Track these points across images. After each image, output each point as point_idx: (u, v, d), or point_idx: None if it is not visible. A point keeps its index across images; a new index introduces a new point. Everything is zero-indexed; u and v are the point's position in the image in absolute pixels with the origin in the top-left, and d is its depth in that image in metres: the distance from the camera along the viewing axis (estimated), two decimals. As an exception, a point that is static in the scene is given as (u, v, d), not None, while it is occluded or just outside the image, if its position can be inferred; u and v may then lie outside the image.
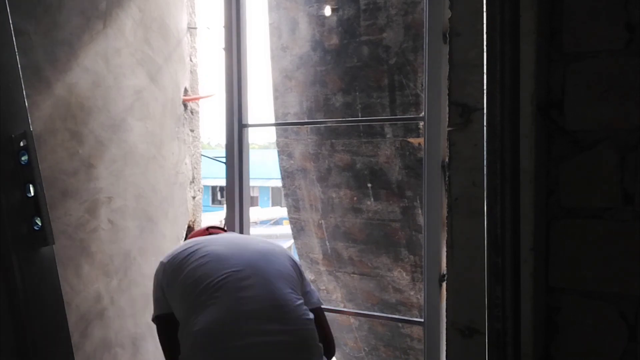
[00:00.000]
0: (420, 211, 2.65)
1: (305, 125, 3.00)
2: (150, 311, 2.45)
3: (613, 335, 1.31)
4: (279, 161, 3.26)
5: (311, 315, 1.61)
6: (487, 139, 1.06)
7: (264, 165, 17.52)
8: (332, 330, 1.76)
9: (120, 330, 2.32)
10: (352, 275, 3.01)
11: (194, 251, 1.69)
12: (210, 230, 1.97)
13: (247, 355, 1.46)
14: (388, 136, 2.70)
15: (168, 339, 1.65)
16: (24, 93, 1.49)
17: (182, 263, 1.66)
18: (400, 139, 2.67)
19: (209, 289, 1.56)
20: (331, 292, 3.16)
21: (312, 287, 1.81)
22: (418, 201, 2.65)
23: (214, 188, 21.14)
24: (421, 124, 2.47)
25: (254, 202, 21.09)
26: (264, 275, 1.63)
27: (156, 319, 1.69)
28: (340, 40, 2.75)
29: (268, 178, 19.73)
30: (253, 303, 1.55)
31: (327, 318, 1.78)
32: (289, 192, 3.27)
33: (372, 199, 2.81)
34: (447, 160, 1.49)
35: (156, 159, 2.49)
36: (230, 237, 1.82)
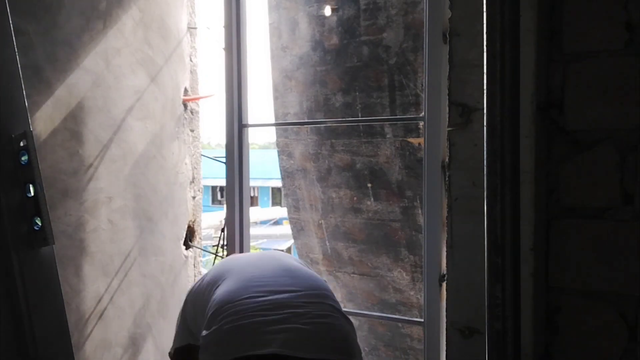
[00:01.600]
0: (420, 211, 2.65)
1: (305, 125, 3.00)
2: (150, 311, 2.46)
3: (613, 335, 1.31)
4: (279, 161, 3.26)
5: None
6: (487, 139, 1.06)
7: (264, 165, 17.50)
8: None
9: (120, 330, 2.32)
10: (352, 275, 3.01)
11: (205, 274, 1.70)
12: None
13: (253, 302, 1.41)
14: (388, 136, 2.70)
15: None
16: (24, 93, 1.48)
17: (199, 285, 1.66)
18: (400, 139, 2.67)
19: (218, 279, 1.56)
20: (331, 292, 3.16)
21: None
22: (418, 201, 2.65)
23: (214, 188, 21.12)
24: (421, 124, 2.47)
25: (254, 202, 21.09)
26: (281, 258, 1.66)
27: (175, 351, 1.67)
28: (340, 40, 2.75)
29: (268, 178, 19.71)
30: (260, 270, 1.55)
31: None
32: (289, 192, 3.27)
33: (372, 199, 2.81)
34: (447, 160, 1.49)
35: (156, 159, 2.49)
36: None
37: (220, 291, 1.49)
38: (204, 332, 1.41)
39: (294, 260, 1.71)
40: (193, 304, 1.64)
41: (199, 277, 1.76)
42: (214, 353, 1.34)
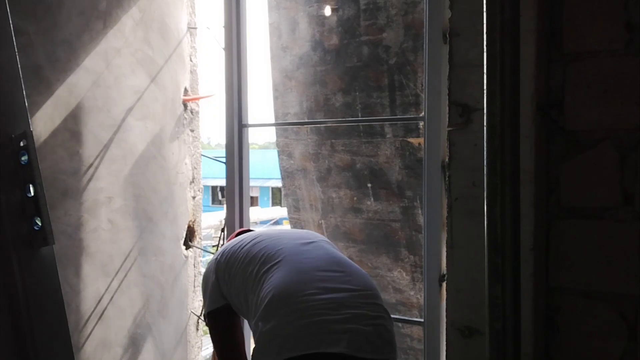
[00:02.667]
0: (420, 211, 2.65)
1: (305, 125, 3.00)
2: (150, 311, 2.46)
3: (613, 335, 1.31)
4: (279, 161, 3.26)
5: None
6: (487, 139, 1.06)
7: (264, 165, 17.51)
8: None
9: (120, 330, 2.32)
10: (352, 275, 3.01)
11: (242, 240, 1.73)
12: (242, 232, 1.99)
13: (317, 300, 1.43)
14: (388, 136, 2.70)
15: (224, 329, 1.75)
16: (24, 93, 1.48)
17: (235, 251, 1.69)
18: (400, 139, 2.67)
19: (269, 259, 1.57)
20: (331, 292, 3.16)
21: None
22: (418, 201, 2.65)
23: (214, 188, 21.13)
24: (421, 124, 2.47)
25: (254, 202, 21.08)
26: (324, 245, 1.69)
27: (209, 314, 1.74)
28: (340, 40, 2.75)
29: (268, 178, 19.73)
30: (314, 261, 1.56)
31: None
32: (289, 192, 3.27)
33: (372, 199, 2.81)
34: (447, 160, 1.49)
35: (156, 159, 2.49)
36: (278, 229, 1.83)
37: (276, 280, 1.49)
38: (263, 325, 1.42)
39: (335, 249, 1.75)
40: (228, 271, 1.68)
41: (230, 243, 1.76)
42: (281, 345, 1.36)
